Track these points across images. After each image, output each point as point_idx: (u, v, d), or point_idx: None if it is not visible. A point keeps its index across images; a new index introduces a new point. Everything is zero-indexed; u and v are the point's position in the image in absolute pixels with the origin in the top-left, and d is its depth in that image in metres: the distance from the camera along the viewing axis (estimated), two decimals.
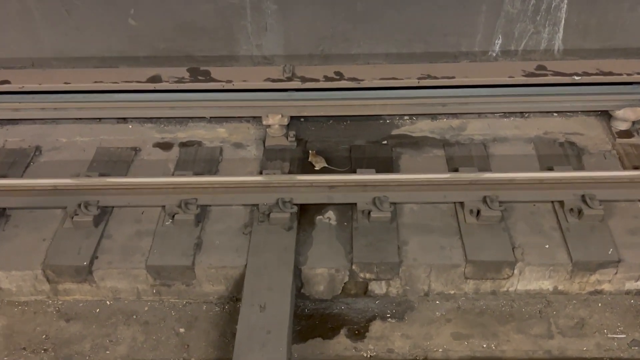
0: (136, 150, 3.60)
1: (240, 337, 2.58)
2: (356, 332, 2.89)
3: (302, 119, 3.83)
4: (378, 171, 3.41)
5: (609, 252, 2.87)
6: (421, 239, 3.11)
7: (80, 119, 3.54)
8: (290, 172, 3.51)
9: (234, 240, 3.15)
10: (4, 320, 2.81)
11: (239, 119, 3.80)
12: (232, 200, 3.31)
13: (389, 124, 3.76)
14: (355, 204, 3.28)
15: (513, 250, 2.99)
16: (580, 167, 3.21)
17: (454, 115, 3.73)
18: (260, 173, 3.48)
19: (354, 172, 3.44)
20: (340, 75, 3.60)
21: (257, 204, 3.28)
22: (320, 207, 3.31)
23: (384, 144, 3.69)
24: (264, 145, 3.67)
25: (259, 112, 3.67)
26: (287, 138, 3.69)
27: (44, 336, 2.80)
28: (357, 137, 3.71)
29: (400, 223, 3.20)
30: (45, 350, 2.73)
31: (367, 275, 3.04)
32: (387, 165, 3.53)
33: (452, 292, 3.06)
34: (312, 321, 2.93)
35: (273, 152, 3.65)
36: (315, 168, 3.58)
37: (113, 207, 3.23)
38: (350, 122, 3.81)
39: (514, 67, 3.45)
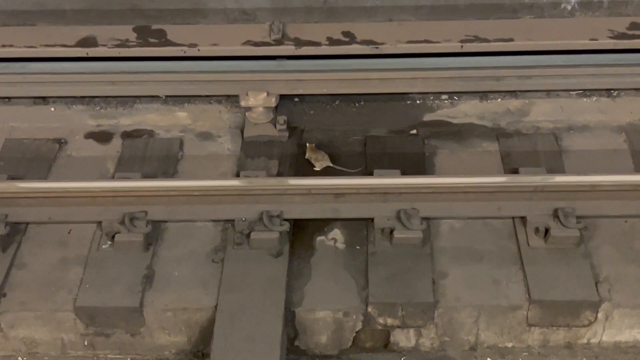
0: (61, 142, 3.66)
1: None
2: None
3: (296, 99, 3.95)
4: (404, 173, 3.50)
5: None
6: (465, 270, 3.17)
7: None
8: (279, 174, 3.60)
9: (200, 271, 3.21)
10: None
11: (207, 98, 3.92)
12: (196, 214, 3.40)
13: (419, 106, 3.89)
14: (372, 219, 3.37)
15: (597, 286, 3.02)
16: None
17: (512, 93, 3.82)
18: (237, 175, 3.55)
19: (370, 174, 3.52)
20: (350, 37, 3.71)
21: (233, 220, 3.36)
22: (323, 224, 3.40)
23: (413, 135, 3.80)
24: (242, 136, 3.77)
25: (236, 89, 3.77)
26: (276, 126, 3.80)
27: None
28: (375, 125, 3.83)
29: (436, 247, 3.28)
30: None
31: (389, 321, 3.09)
32: (418, 164, 3.63)
33: (510, 345, 3.11)
34: None
35: (255, 146, 3.75)
36: (316, 168, 3.69)
37: (28, 223, 3.28)
38: (365, 104, 3.94)
39: (598, 26, 3.52)
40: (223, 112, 3.93)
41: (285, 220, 3.34)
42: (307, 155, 3.72)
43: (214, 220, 3.41)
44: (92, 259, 3.22)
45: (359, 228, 3.39)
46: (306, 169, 3.65)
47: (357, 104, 3.97)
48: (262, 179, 3.46)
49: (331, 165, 3.69)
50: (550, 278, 3.08)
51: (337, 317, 3.07)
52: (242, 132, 3.81)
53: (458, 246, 3.27)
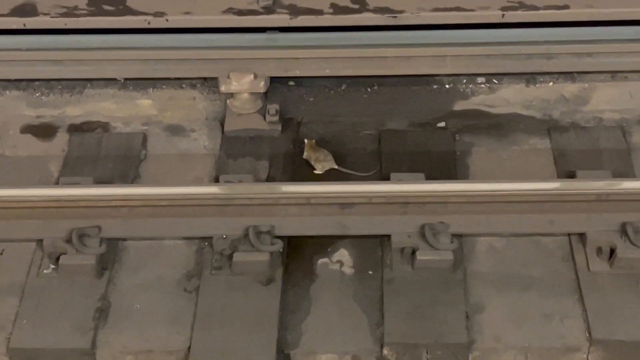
0: None
1: None
2: None
3: (291, 83, 4.03)
4: (430, 177, 3.57)
5: None
6: (508, 301, 3.22)
7: None
8: (270, 179, 3.67)
9: (168, 303, 3.26)
10: None
11: (178, 82, 3.99)
12: (164, 229, 3.44)
13: (449, 91, 3.95)
14: (389, 236, 3.43)
15: None
16: None
17: (568, 75, 3.89)
18: (216, 181, 3.62)
19: (386, 178, 3.60)
20: (360, 4, 3.74)
21: (211, 237, 3.42)
22: (325, 243, 3.46)
23: (441, 128, 3.86)
24: (223, 131, 3.85)
25: (214, 70, 3.83)
26: (265, 117, 3.88)
27: None
28: (392, 116, 3.90)
29: (471, 272, 3.33)
30: None
31: None
32: (447, 166, 3.68)
33: None
34: None
35: (239, 143, 3.83)
36: (316, 171, 3.76)
37: None
38: (380, 89, 3.99)
39: None
40: (198, 99, 4.00)
41: (278, 237, 3.39)
42: (305, 155, 3.78)
43: (186, 238, 3.47)
44: (31, 287, 3.26)
45: (372, 248, 3.45)
46: (304, 173, 3.72)
47: (369, 90, 4.03)
48: (248, 185, 3.52)
49: (336, 167, 3.75)
50: (617, 312, 3.12)
51: None
52: (222, 125, 3.88)
53: (498, 271, 3.32)
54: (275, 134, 3.88)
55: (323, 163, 3.76)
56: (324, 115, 3.96)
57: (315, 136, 3.83)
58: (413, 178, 3.57)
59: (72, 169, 3.66)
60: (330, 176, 3.72)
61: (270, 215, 3.46)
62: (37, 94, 3.92)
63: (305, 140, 3.79)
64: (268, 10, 3.73)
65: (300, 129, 3.90)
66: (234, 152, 3.79)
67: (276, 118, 3.86)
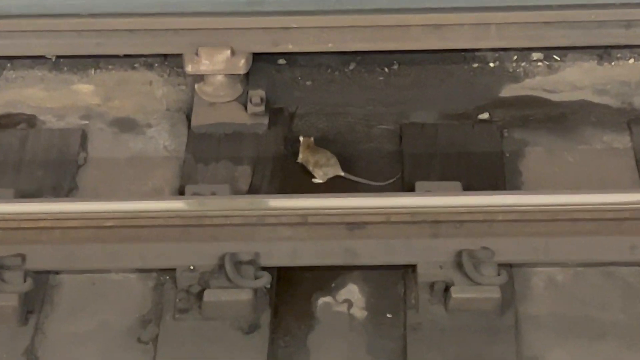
0: None
1: None
2: None
3: (281, 61, 4.11)
4: (469, 187, 3.63)
5: None
6: (576, 354, 3.26)
7: None
8: (253, 191, 3.74)
9: (116, 359, 3.29)
10: None
11: (129, 61, 4.06)
12: (110, 259, 3.50)
13: (494, 71, 4.03)
14: (414, 266, 3.48)
15: None
16: None
17: None
18: (181, 193, 3.69)
19: (410, 189, 3.68)
20: None
21: (174, 269, 3.49)
22: (328, 276, 3.53)
23: (483, 122, 3.91)
24: (190, 126, 3.95)
25: (177, 45, 3.90)
26: (247, 107, 3.96)
27: None
28: (418, 105, 3.96)
29: (525, 314, 3.37)
30: None
31: None
32: (491, 172, 3.75)
33: None
34: None
35: (211, 142, 3.93)
36: (316, 180, 3.86)
37: None
38: (401, 69, 4.06)
39: None
40: (156, 84, 4.08)
41: (264, 269, 3.44)
42: (300, 158, 3.85)
43: (140, 271, 3.51)
44: None
45: (391, 282, 3.49)
46: (299, 182, 3.79)
47: (386, 70, 4.09)
48: (224, 199, 3.57)
49: (342, 174, 3.81)
50: None
51: None
52: (188, 118, 3.96)
53: (562, 313, 3.35)
54: (260, 129, 3.95)
55: (325, 169, 3.83)
56: (326, 104, 4.03)
57: (315, 133, 3.90)
58: (446, 188, 3.63)
59: None
60: (334, 186, 3.78)
61: (253, 240, 3.51)
62: None
63: (301, 138, 3.84)
64: None
65: (294, 123, 3.97)
66: (205, 154, 3.86)
67: (261, 108, 3.92)
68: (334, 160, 3.83)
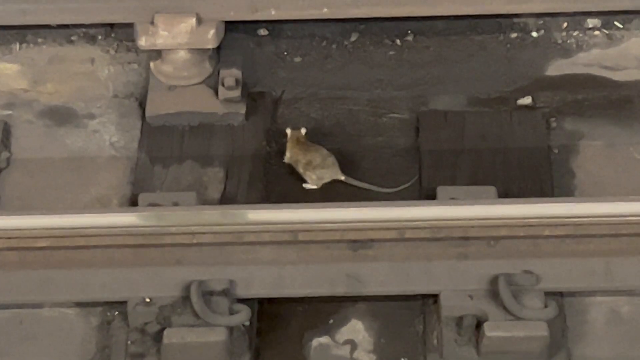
0: None
1: None
2: None
3: (263, 32, 4.07)
4: (505, 193, 3.64)
5: None
6: None
7: None
8: (226, 200, 3.71)
9: None
10: None
11: (64, 32, 4.01)
12: (42, 289, 3.46)
13: (538, 43, 3.99)
14: (436, 296, 3.47)
15: None
16: None
17: None
18: (133, 203, 3.65)
19: (430, 196, 3.69)
20: None
21: (125, 302, 3.44)
22: (325, 310, 3.52)
23: (525, 108, 3.89)
24: (144, 116, 3.90)
25: (127, 12, 3.86)
26: (218, 91, 3.93)
27: None
28: (440, 87, 3.93)
29: (580, 357, 3.36)
30: None
31: None
32: (535, 173, 3.74)
33: None
34: None
35: (172, 138, 3.92)
36: (308, 185, 3.83)
37: None
38: (418, 41, 4.01)
39: None
40: (99, 62, 4.02)
41: (242, 301, 3.42)
42: (288, 157, 3.84)
43: (80, 305, 3.49)
44: None
45: (406, 318, 3.49)
46: (287, 188, 3.78)
47: (398, 42, 4.04)
48: (189, 211, 3.55)
49: (342, 178, 3.79)
50: None
51: None
52: (142, 106, 3.95)
53: (629, 356, 3.33)
54: (235, 120, 3.93)
55: (319, 171, 3.79)
56: (321, 87, 4.00)
57: (306, 124, 3.86)
58: (477, 195, 3.62)
59: None
60: (332, 194, 3.78)
61: (228, 264, 3.50)
62: None
63: (289, 132, 3.82)
64: None
65: (280, 112, 3.94)
66: (164, 153, 3.85)
67: (236, 93, 3.88)
68: (331, 160, 3.80)
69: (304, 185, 3.81)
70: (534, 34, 4.06)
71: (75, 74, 4.01)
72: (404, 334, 3.48)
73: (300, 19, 4.01)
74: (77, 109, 3.94)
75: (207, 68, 3.99)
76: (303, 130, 3.83)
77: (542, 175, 3.76)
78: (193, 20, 3.87)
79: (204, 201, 3.74)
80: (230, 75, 3.93)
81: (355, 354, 3.44)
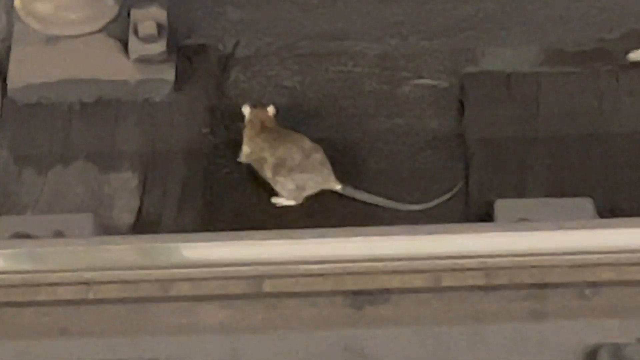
0: None
1: None
2: None
3: None
4: (610, 208, 3.55)
5: None
6: None
7: None
8: (142, 226, 3.62)
9: None
10: None
11: None
12: None
13: None
14: None
15: None
16: None
17: None
18: None
19: (483, 215, 3.57)
20: None
21: None
22: None
23: (636, 66, 3.78)
24: (4, 88, 3.76)
25: None
26: (127, 45, 3.79)
27: None
28: (495, 32, 3.82)
29: None
30: None
31: None
32: None
33: None
34: None
35: (51, 123, 3.76)
36: (278, 200, 3.64)
37: None
38: None
39: None
40: None
41: None
42: (245, 154, 3.65)
43: None
44: None
45: None
46: (246, 204, 3.60)
47: None
48: (79, 246, 3.31)
49: (337, 188, 3.57)
50: None
51: None
52: (0, 71, 3.80)
53: None
54: (157, 93, 3.72)
55: (300, 176, 3.57)
56: (300, 34, 3.80)
57: (276, 98, 3.68)
58: (561, 212, 3.41)
59: None
60: (320, 213, 3.59)
61: (147, 333, 3.29)
62: None
63: (247, 111, 3.59)
64: None
65: (231, 78, 3.73)
66: (38, 149, 3.68)
67: (159, 47, 3.64)
68: (318, 158, 3.55)
69: (274, 199, 3.57)
70: None
71: None
72: None
73: None
74: None
75: (110, 6, 3.74)
76: (271, 109, 3.60)
77: None
78: None
79: (106, 228, 3.54)
80: (148, 17, 3.67)
81: None
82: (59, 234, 3.42)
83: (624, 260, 3.30)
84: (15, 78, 3.78)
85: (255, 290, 3.28)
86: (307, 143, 3.56)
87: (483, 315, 3.29)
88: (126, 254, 3.32)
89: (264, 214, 3.56)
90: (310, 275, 3.28)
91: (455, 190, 3.56)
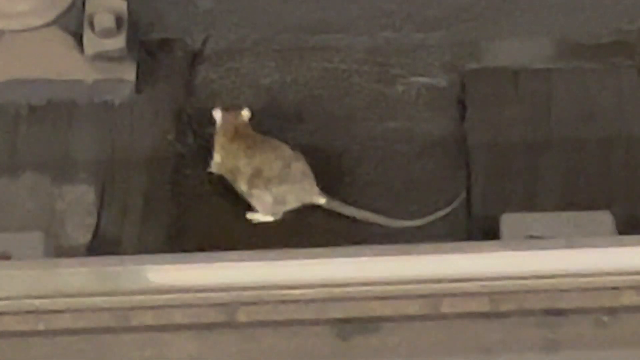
0: None
1: None
2: None
3: None
4: (632, 223, 3.52)
5: None
6: None
7: None
8: (99, 245, 3.52)
9: None
10: None
11: None
12: None
13: None
14: None
15: None
16: None
17: None
18: None
19: (487, 231, 3.46)
20: None
21: None
22: None
23: None
24: None
25: None
26: (83, 38, 3.66)
27: None
28: (502, 23, 3.73)
29: None
30: None
31: None
32: None
33: None
34: None
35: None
36: (256, 216, 3.51)
37: None
38: None
39: None
40: None
41: None
42: (216, 164, 3.52)
43: None
44: None
45: None
46: (218, 221, 3.48)
47: None
48: (28, 270, 3.17)
49: (322, 202, 3.44)
50: None
51: None
52: None
53: None
54: (116, 94, 3.61)
55: (278, 189, 3.43)
56: (278, 26, 3.69)
57: (252, 99, 3.57)
58: (576, 227, 3.30)
59: None
60: (302, 230, 3.47)
61: None
62: None
63: (218, 114, 3.47)
64: None
65: (200, 77, 3.61)
66: None
67: (118, 43, 3.51)
68: (299, 167, 3.41)
69: (249, 215, 3.43)
70: None
71: None
72: None
73: None
74: None
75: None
76: (246, 113, 3.47)
77: None
78: None
79: (59, 249, 3.38)
80: (106, 8, 3.55)
81: None
82: (4, 256, 3.27)
83: None
84: None
85: (228, 319, 3.17)
86: (287, 151, 3.46)
87: (488, 346, 3.16)
88: (81, 278, 3.21)
89: (238, 231, 3.45)
90: (291, 302, 3.19)
91: (455, 203, 3.45)
